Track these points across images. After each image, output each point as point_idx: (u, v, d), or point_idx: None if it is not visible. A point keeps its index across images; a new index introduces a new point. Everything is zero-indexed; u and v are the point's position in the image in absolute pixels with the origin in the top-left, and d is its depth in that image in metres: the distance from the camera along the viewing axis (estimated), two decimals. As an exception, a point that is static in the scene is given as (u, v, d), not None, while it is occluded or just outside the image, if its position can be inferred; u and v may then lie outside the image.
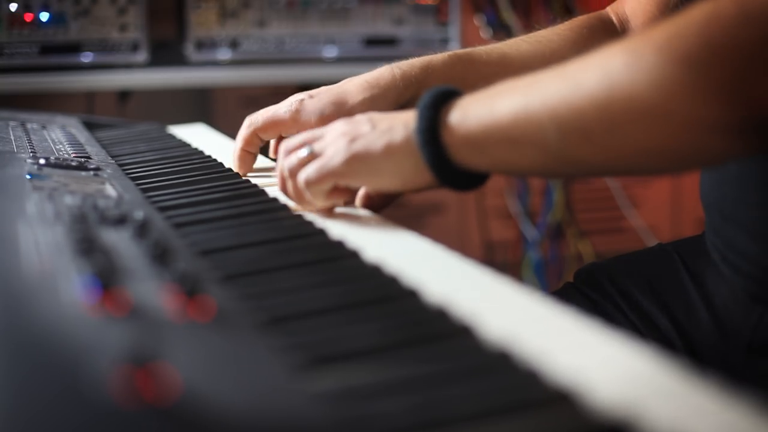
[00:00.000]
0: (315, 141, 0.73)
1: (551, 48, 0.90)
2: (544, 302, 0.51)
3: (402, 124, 0.69)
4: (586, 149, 0.58)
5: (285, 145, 0.75)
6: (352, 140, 0.69)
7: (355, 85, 0.88)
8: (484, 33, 2.35)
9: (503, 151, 0.63)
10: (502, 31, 2.33)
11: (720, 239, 0.79)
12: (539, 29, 0.95)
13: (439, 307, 0.50)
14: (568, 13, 2.34)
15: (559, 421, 0.37)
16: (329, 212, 0.74)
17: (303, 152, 0.73)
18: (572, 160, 0.60)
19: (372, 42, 2.03)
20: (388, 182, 0.69)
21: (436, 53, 0.92)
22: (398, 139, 0.68)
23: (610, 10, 0.96)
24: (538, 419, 0.37)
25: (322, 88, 0.90)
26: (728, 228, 0.78)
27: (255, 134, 0.90)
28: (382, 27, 2.04)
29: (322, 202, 0.73)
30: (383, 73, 0.89)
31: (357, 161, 0.69)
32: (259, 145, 0.92)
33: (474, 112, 0.64)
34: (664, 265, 0.87)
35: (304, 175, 0.71)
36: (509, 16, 2.32)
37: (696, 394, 0.39)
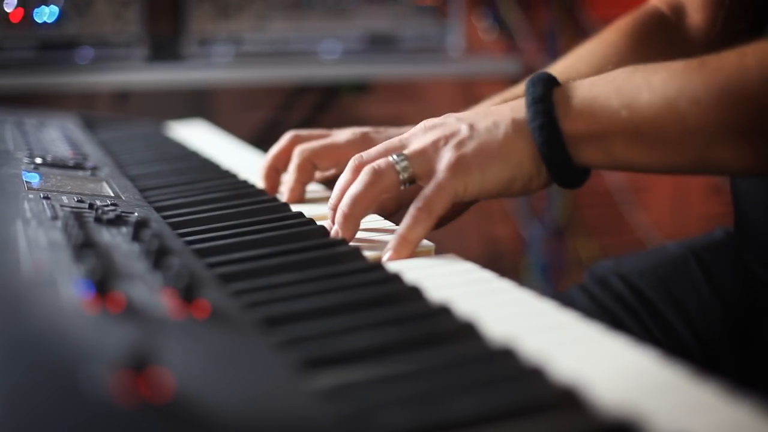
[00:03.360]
0: (398, 148, 0.65)
1: (614, 63, 0.87)
2: (548, 303, 0.51)
3: (508, 119, 0.63)
4: (733, 152, 0.56)
5: (354, 160, 0.66)
6: (458, 145, 0.62)
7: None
8: (486, 32, 2.34)
9: (633, 149, 0.59)
10: (504, 31, 2.33)
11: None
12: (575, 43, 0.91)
13: (441, 305, 0.49)
14: (569, 12, 2.33)
15: (564, 420, 0.37)
16: (408, 250, 0.62)
17: (394, 158, 0.63)
18: (714, 162, 0.58)
19: (373, 41, 2.03)
20: (495, 186, 0.62)
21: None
22: (511, 137, 0.62)
23: (657, 2, 0.91)
24: (544, 418, 0.37)
25: (389, 128, 0.84)
26: None
27: (311, 162, 0.80)
28: (383, 26, 2.04)
29: (425, 228, 0.62)
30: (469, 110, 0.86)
31: (473, 168, 0.61)
32: (313, 176, 0.82)
33: (599, 104, 0.60)
34: (676, 265, 0.85)
35: (424, 195, 0.62)
36: (511, 15, 2.31)
37: (701, 394, 0.39)
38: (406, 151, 0.63)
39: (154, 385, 0.35)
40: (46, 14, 1.75)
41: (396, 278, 0.55)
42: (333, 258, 0.60)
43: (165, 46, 1.91)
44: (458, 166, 0.61)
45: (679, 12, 0.88)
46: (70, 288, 0.46)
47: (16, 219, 0.60)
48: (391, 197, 0.73)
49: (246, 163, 1.02)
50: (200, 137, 1.23)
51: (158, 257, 0.53)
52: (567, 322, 0.48)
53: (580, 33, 2.27)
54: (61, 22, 1.78)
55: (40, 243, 0.55)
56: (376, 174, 0.63)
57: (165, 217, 0.71)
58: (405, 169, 0.63)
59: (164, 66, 1.87)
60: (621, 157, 0.60)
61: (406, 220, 0.61)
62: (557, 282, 2.38)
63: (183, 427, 0.33)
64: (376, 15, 2.04)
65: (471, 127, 0.63)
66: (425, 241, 0.63)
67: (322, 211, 0.71)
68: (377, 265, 0.58)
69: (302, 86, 2.22)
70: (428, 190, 0.61)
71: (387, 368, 0.42)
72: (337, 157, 0.80)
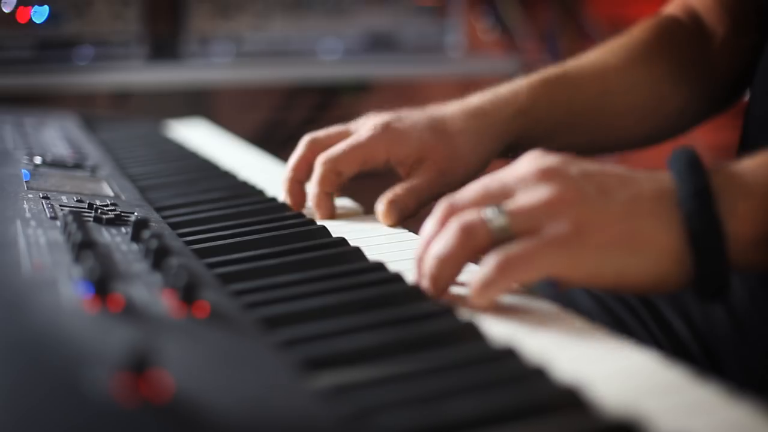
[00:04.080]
0: (499, 197, 0.52)
1: (643, 57, 0.83)
2: (548, 304, 0.51)
3: (653, 197, 0.50)
4: None
5: (449, 202, 0.53)
6: (580, 214, 0.49)
7: (454, 111, 0.76)
8: (486, 32, 2.34)
9: None
10: (504, 31, 2.33)
11: None
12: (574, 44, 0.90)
13: (444, 306, 0.49)
14: (569, 12, 2.33)
15: (566, 420, 0.37)
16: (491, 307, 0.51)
17: (488, 214, 0.50)
18: None
19: (373, 41, 2.03)
20: (613, 279, 0.49)
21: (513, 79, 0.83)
22: (653, 225, 0.49)
23: (674, 10, 0.88)
24: (546, 419, 0.37)
25: (407, 111, 0.78)
26: None
27: (335, 171, 0.73)
28: (383, 26, 2.03)
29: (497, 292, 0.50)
30: (483, 99, 0.78)
31: (590, 250, 0.48)
32: (338, 183, 0.74)
33: None
34: None
35: (509, 256, 0.49)
36: (511, 15, 2.31)
37: (703, 395, 0.39)
38: (509, 206, 0.50)
39: (154, 385, 0.34)
40: (37, 14, 1.75)
41: (398, 278, 0.54)
42: (334, 258, 0.60)
43: (164, 46, 1.91)
44: (571, 241, 0.48)
45: (695, 19, 0.88)
46: (70, 288, 0.46)
47: (16, 219, 0.60)
48: (412, 200, 0.71)
49: (246, 162, 1.02)
50: (200, 136, 1.23)
51: (158, 257, 0.52)
52: (569, 321, 0.48)
53: (580, 33, 2.27)
54: (61, 22, 1.78)
55: (39, 243, 0.54)
56: (465, 234, 0.50)
57: (165, 217, 0.71)
58: (502, 229, 0.50)
59: (164, 65, 1.87)
60: None
61: (480, 277, 0.49)
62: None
63: (183, 427, 0.33)
64: (376, 15, 2.04)
65: (604, 193, 0.49)
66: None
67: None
68: (379, 265, 0.57)
69: (302, 86, 2.22)
70: (519, 248, 0.49)
71: (388, 369, 0.41)
72: (363, 158, 0.74)
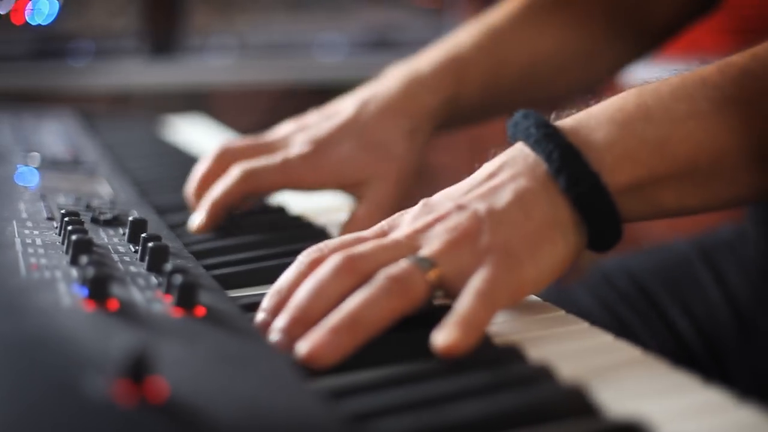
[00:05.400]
0: (402, 249, 0.48)
1: (531, 39, 0.79)
2: (549, 305, 0.51)
3: (532, 187, 0.49)
4: None
5: (342, 241, 0.50)
6: (494, 233, 0.48)
7: (374, 113, 0.71)
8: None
9: (685, 191, 0.50)
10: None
11: None
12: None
13: (442, 305, 0.49)
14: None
15: (571, 422, 0.37)
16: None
17: (413, 263, 0.46)
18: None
19: (372, 41, 2.02)
20: (551, 276, 0.49)
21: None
22: (547, 210, 0.48)
23: None
24: (551, 420, 0.37)
25: (321, 118, 0.72)
26: None
27: (252, 187, 0.68)
28: (383, 26, 2.03)
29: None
30: (402, 87, 0.73)
31: (525, 261, 0.47)
32: (244, 201, 0.70)
33: (633, 146, 0.49)
34: (683, 263, 0.84)
35: (483, 289, 0.45)
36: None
37: (707, 396, 0.39)
38: (425, 252, 0.47)
39: (152, 386, 0.34)
40: (34, 15, 1.75)
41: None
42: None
43: (164, 45, 1.91)
44: (509, 259, 0.47)
45: None
46: (66, 289, 0.45)
47: (12, 220, 0.60)
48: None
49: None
50: (199, 133, 1.22)
51: (155, 258, 0.52)
52: (573, 322, 0.48)
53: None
54: (60, 21, 1.78)
55: (35, 244, 0.54)
56: (400, 284, 0.45)
57: (163, 218, 0.70)
58: (434, 274, 0.46)
59: (163, 65, 1.87)
60: (669, 204, 0.50)
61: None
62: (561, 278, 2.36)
63: (182, 428, 0.33)
64: (376, 15, 2.04)
65: (491, 209, 0.48)
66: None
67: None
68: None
69: (301, 86, 2.21)
70: (486, 279, 0.46)
71: (390, 370, 0.41)
72: (288, 182, 0.69)
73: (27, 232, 0.57)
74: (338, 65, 2.01)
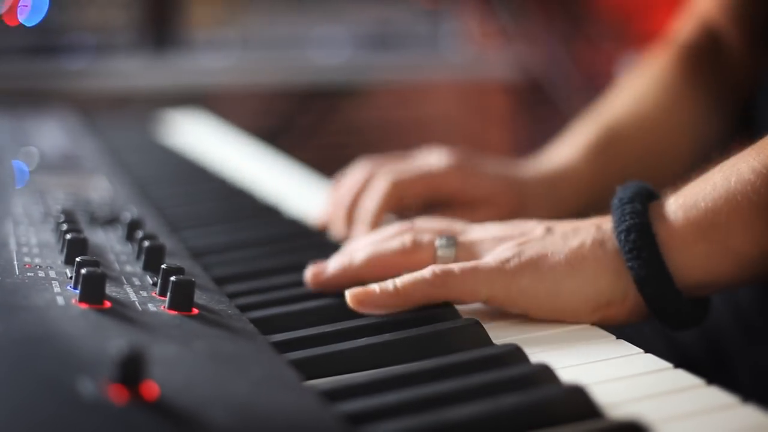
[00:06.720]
0: (457, 232, 0.55)
1: (673, 101, 0.81)
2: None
3: (591, 225, 0.51)
4: None
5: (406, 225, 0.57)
6: (521, 243, 0.51)
7: (530, 174, 0.74)
8: (486, 33, 2.34)
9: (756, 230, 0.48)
10: (504, 32, 2.33)
11: None
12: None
13: (443, 305, 0.49)
14: (565, 13, 2.33)
15: (572, 422, 0.36)
16: None
17: (437, 243, 0.53)
18: None
19: (371, 42, 2.02)
20: (548, 301, 0.49)
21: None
22: (588, 244, 0.50)
23: (690, 31, 0.84)
24: (552, 420, 0.36)
25: (475, 155, 0.75)
26: None
27: (399, 194, 0.68)
28: (382, 27, 2.03)
29: (422, 299, 0.50)
30: (551, 171, 0.75)
31: (526, 270, 0.49)
32: (396, 207, 0.70)
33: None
34: None
35: (447, 267, 0.50)
36: (511, 17, 2.31)
37: (708, 398, 0.39)
38: (460, 237, 0.54)
39: (148, 385, 0.34)
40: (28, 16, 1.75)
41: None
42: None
43: (164, 44, 1.90)
44: (507, 263, 0.49)
45: (711, 36, 0.85)
46: (60, 289, 0.45)
47: (7, 218, 0.59)
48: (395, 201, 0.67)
49: (245, 159, 1.01)
50: (198, 130, 1.22)
51: (151, 258, 0.52)
52: (569, 324, 0.48)
53: (581, 34, 2.27)
54: (58, 14, 1.78)
55: (30, 243, 0.54)
56: (414, 246, 0.53)
57: (161, 217, 0.70)
58: (446, 256, 0.53)
59: (163, 64, 1.87)
60: (740, 247, 0.49)
61: (415, 274, 0.50)
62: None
63: (180, 428, 0.32)
64: (375, 16, 2.04)
65: (548, 229, 0.52)
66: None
67: None
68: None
69: (300, 87, 2.21)
70: (459, 265, 0.50)
71: (389, 371, 0.41)
72: (432, 186, 0.70)
73: (22, 230, 0.57)
74: (336, 66, 2.01)
